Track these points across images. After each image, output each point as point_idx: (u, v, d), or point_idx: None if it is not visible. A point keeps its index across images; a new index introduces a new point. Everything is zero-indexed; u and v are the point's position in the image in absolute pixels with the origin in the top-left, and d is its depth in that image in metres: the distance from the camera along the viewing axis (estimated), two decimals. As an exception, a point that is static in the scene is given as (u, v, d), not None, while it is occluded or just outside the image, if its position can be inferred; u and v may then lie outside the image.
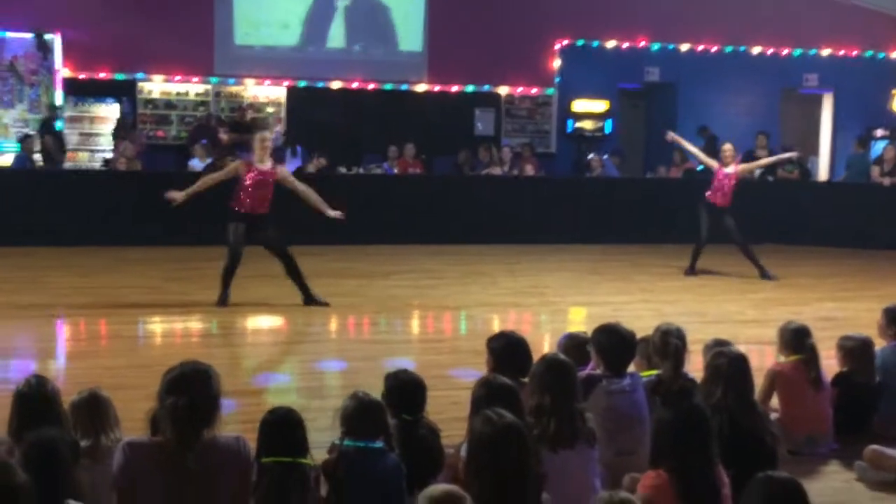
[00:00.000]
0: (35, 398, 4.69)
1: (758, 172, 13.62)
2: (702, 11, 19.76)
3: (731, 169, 12.87)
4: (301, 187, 10.41)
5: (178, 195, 10.32)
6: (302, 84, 19.06)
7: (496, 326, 8.98)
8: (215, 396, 4.12)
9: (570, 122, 20.03)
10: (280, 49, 19.15)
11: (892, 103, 21.04)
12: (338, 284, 11.44)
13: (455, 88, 19.72)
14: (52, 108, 17.48)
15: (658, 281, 12.86)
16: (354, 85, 19.23)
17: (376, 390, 5.07)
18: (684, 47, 20.30)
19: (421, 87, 19.58)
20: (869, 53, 20.98)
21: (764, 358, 5.87)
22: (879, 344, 6.76)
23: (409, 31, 19.61)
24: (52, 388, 4.81)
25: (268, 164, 10.32)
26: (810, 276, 13.59)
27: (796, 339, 6.28)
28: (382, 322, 10.15)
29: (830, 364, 6.56)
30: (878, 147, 19.18)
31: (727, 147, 13.14)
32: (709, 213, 12.99)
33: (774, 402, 6.26)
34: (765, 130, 17.16)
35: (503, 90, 20.04)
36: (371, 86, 19.31)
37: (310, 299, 10.29)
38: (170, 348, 8.81)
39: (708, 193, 13.09)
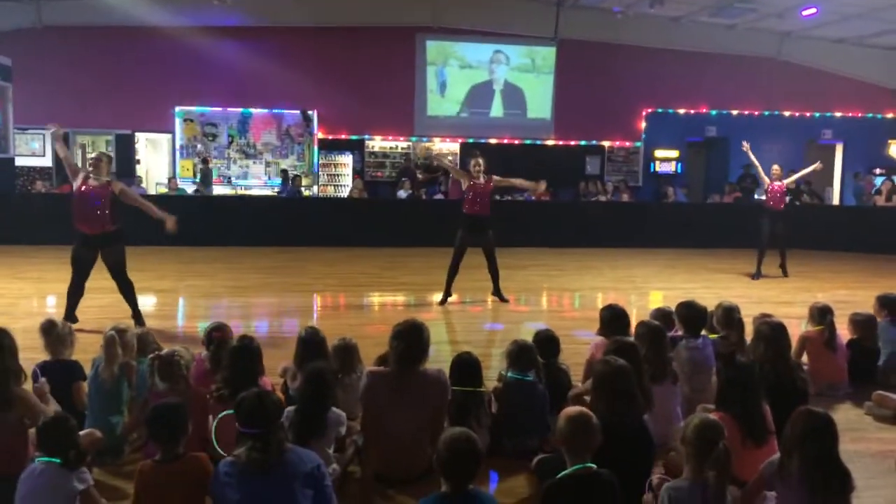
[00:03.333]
0: (311, 341, 4.89)
1: (791, 179, 12.21)
2: (747, 85, 19.49)
3: (779, 182, 11.87)
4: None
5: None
6: (470, 141, 19.17)
7: (602, 302, 8.83)
8: (425, 343, 4.21)
9: (652, 165, 19.79)
10: (456, 118, 19.36)
11: (888, 150, 20.06)
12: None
13: (573, 142, 19.58)
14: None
15: (716, 273, 12.41)
16: (504, 141, 19.29)
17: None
18: (735, 112, 19.71)
19: (549, 142, 19.50)
20: (870, 115, 19.95)
21: (792, 328, 5.65)
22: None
23: (542, 104, 19.56)
24: (322, 335, 5.01)
25: (482, 179, 9.30)
26: (828, 272, 12.89)
27: (820, 315, 6.07)
28: (523, 299, 10.11)
29: (844, 333, 6.28)
30: (878, 181, 18.64)
31: (776, 167, 12.03)
32: (769, 218, 11.85)
33: (805, 359, 5.98)
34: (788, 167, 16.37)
35: (606, 143, 19.77)
36: (516, 141, 19.34)
37: (497, 293, 9.62)
38: (386, 313, 9.01)
39: (765, 200, 12.08)
